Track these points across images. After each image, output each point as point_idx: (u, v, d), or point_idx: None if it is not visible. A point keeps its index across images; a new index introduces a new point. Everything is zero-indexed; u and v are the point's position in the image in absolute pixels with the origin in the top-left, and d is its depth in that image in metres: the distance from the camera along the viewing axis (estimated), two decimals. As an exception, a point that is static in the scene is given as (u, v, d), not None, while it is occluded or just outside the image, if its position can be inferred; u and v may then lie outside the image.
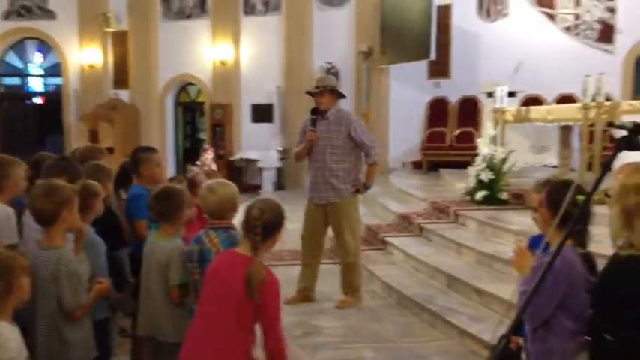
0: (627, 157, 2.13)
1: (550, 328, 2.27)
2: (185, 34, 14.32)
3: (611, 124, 1.86)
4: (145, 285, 3.35)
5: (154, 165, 4.31)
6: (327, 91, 5.36)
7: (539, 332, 2.27)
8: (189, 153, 15.04)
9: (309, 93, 5.60)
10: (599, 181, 1.88)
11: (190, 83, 15.04)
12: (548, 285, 2.17)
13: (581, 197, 2.20)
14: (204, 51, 14.29)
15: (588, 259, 2.29)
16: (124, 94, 14.76)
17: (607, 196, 2.16)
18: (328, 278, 6.41)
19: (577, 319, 2.27)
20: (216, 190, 3.16)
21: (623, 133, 1.90)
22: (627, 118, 6.19)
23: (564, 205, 2.20)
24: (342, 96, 5.53)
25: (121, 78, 14.72)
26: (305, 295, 5.59)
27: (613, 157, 1.86)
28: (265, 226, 2.59)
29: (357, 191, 5.45)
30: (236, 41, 13.97)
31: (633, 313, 2.06)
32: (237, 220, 2.98)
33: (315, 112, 5.42)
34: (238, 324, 2.58)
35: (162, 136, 14.72)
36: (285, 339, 2.70)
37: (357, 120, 5.50)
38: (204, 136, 15.85)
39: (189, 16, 14.48)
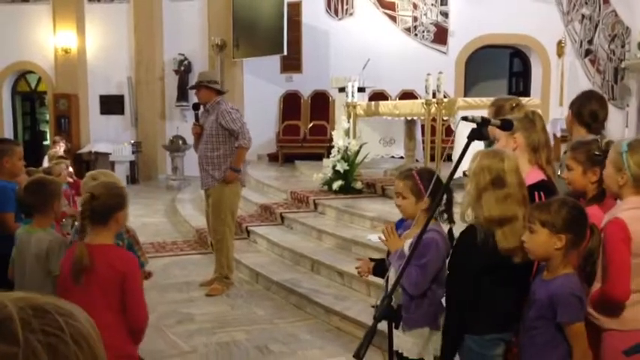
0: (476, 146, 2.57)
1: (425, 295, 2.64)
2: (22, 19, 13.39)
3: (464, 118, 2.20)
4: (19, 278, 3.26)
5: (16, 158, 4.15)
6: (202, 86, 5.63)
7: (417, 301, 2.63)
8: (29, 145, 14.08)
9: (190, 88, 6.16)
10: (457, 165, 2.26)
11: (30, 71, 14.07)
12: (433, 259, 2.55)
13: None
14: (44, 38, 13.46)
15: (451, 234, 2.70)
16: (-48, 82, 13.46)
17: (465, 175, 2.57)
18: (195, 268, 6.54)
19: (443, 286, 2.67)
20: (99, 179, 3.18)
21: (473, 125, 2.31)
22: (463, 113, 6.97)
23: (430, 187, 2.61)
24: (220, 92, 5.75)
25: (-53, 65, 13.40)
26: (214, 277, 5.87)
27: (467, 145, 2.25)
28: (98, 208, 2.60)
29: (225, 180, 5.56)
30: (80, 29, 13.33)
31: (458, 274, 2.49)
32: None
33: (195, 106, 5.93)
34: (108, 308, 2.57)
35: (-1, 127, 13.65)
36: (148, 315, 2.72)
37: (227, 109, 5.62)
38: (46, 127, 14.93)
39: (26, 0, 13.53)
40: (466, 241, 2.48)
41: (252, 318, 5.06)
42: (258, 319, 5.03)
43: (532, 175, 2.72)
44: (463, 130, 6.94)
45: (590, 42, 10.81)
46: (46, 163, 8.36)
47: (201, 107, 5.84)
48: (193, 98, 13.10)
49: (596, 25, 10.59)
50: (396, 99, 11.56)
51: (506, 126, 2.26)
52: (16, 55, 13.45)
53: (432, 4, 12.47)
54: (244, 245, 6.95)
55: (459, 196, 2.66)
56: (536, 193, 2.59)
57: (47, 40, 13.42)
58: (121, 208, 2.71)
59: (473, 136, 2.11)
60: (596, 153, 2.48)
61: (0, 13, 13.41)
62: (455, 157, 7.17)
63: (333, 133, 8.39)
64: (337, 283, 5.50)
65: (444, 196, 2.48)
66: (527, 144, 2.78)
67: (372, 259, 3.08)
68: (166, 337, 4.59)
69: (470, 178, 2.47)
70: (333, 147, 7.88)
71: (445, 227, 2.70)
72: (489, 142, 3.07)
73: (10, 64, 13.65)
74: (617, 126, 9.21)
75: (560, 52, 11.77)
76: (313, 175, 8.10)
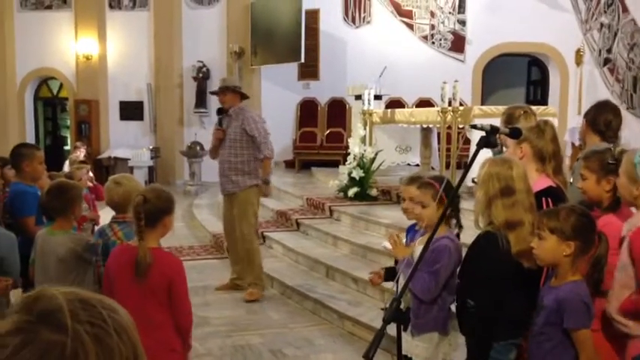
0: (485, 154, 2.61)
1: (436, 301, 2.68)
2: (45, 26, 13.63)
3: (474, 126, 2.24)
4: (40, 279, 3.34)
5: (37, 162, 4.26)
6: (228, 90, 5.62)
7: (426, 306, 2.67)
8: (50, 150, 14.32)
9: (213, 93, 5.99)
10: (466, 171, 2.31)
11: (51, 78, 14.32)
12: (446, 266, 2.60)
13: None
14: (66, 45, 13.68)
15: (458, 238, 2.73)
16: (-24, 88, 13.74)
17: (474, 182, 2.61)
18: (211, 272, 6.62)
19: (454, 292, 2.71)
20: (122, 183, 3.26)
21: (482, 133, 2.35)
22: (479, 121, 6.99)
23: (439, 193, 2.66)
24: (245, 96, 5.74)
25: (-28, 71, 13.68)
26: (234, 283, 5.92)
27: (476, 153, 2.29)
28: (149, 211, 2.67)
29: (257, 186, 5.65)
30: (102, 36, 13.52)
31: (486, 281, 2.51)
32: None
33: (219, 111, 5.77)
34: (159, 308, 2.67)
35: (22, 132, 13.90)
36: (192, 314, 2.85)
37: (254, 116, 5.67)
38: (67, 133, 15.16)
39: (49, 7, 13.79)
40: (488, 247, 2.50)
41: (266, 322, 5.12)
42: (272, 324, 5.08)
43: (540, 182, 2.75)
44: (479, 138, 6.95)
45: (609, 51, 10.75)
46: (66, 168, 8.54)
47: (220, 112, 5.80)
48: (212, 105, 13.45)
49: (615, 34, 10.53)
50: (412, 107, 11.59)
51: (515, 134, 2.30)
52: (39, 62, 13.69)
53: (450, 12, 12.50)
54: (260, 250, 7.01)
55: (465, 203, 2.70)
56: (543, 199, 2.62)
57: (69, 47, 13.66)
58: (170, 212, 2.78)
59: (482, 144, 2.15)
60: (610, 162, 2.50)
61: (23, 20, 13.70)
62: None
63: (349, 140, 8.45)
64: (352, 289, 5.55)
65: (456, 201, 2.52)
66: (534, 153, 2.81)
67: (384, 268, 3.13)
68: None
69: (479, 186, 2.51)
70: (349, 154, 7.94)
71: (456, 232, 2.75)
72: (499, 150, 3.11)
73: (33, 70, 13.89)
74: (636, 135, 9.16)
75: (578, 61, 11.72)
76: (329, 182, 8.16)
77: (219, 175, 5.74)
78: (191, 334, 2.91)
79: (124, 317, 0.79)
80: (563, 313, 2.22)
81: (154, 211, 2.70)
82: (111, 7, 13.62)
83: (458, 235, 2.72)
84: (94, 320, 0.74)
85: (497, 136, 2.22)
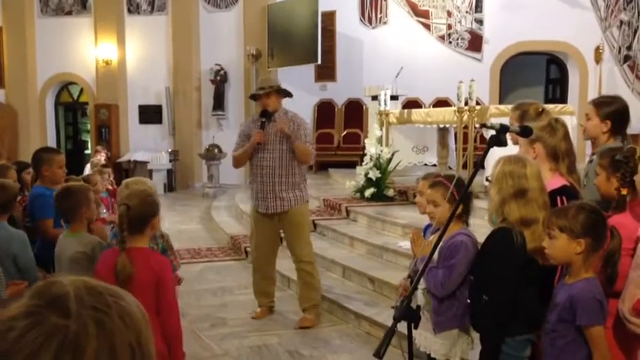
0: (495, 153, 2.59)
1: (455, 297, 2.70)
2: (65, 31, 13.84)
3: (483, 125, 2.25)
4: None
5: (56, 166, 4.33)
6: (273, 91, 4.97)
7: (447, 303, 2.69)
8: (71, 154, 14.52)
9: (253, 97, 5.24)
10: (475, 171, 2.31)
11: (72, 83, 14.53)
12: (461, 261, 2.61)
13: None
14: (86, 50, 13.89)
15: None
16: (-2, 94, 14.01)
17: (488, 181, 2.61)
18: (229, 273, 6.66)
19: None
20: (129, 186, 3.31)
21: (493, 132, 2.34)
22: (495, 121, 6.95)
23: (449, 192, 2.67)
24: (288, 94, 5.13)
25: (-6, 76, 13.96)
26: (270, 307, 5.35)
27: (486, 152, 2.29)
28: (134, 218, 2.68)
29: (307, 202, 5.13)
30: (121, 40, 13.70)
31: (501, 276, 2.51)
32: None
33: (263, 114, 4.95)
34: (146, 309, 2.65)
35: (43, 137, 14.13)
36: (179, 320, 2.76)
37: (304, 120, 5.14)
38: (87, 137, 15.36)
39: (69, 13, 14.01)
40: (502, 243, 2.50)
41: (284, 322, 5.14)
42: (289, 324, 5.10)
43: (553, 181, 2.74)
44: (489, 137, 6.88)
45: (629, 48, 10.63)
46: (87, 171, 8.65)
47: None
48: (229, 108, 13.55)
49: (635, 31, 10.40)
50: (429, 107, 11.56)
51: (525, 132, 2.30)
52: (59, 67, 13.91)
53: (467, 12, 12.44)
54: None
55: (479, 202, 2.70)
56: (558, 198, 2.61)
57: (89, 52, 13.85)
58: (155, 215, 2.80)
59: (492, 143, 2.15)
60: (618, 159, 2.49)
61: (44, 25, 13.93)
62: (486, 164, 7.16)
63: (365, 141, 8.45)
64: (368, 289, 5.55)
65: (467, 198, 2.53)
66: (546, 153, 2.79)
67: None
68: (200, 340, 4.71)
69: (493, 184, 2.52)
70: (366, 155, 7.94)
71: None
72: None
73: (53, 76, 14.12)
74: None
75: (598, 59, 11.60)
76: (346, 183, 8.17)
77: (260, 189, 4.93)
78: (182, 344, 2.80)
79: (130, 304, 0.83)
80: (576, 310, 2.21)
81: (139, 217, 2.72)
82: (130, 11, 13.79)
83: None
84: (98, 305, 0.78)
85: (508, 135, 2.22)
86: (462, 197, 2.41)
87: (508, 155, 2.62)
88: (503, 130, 2.12)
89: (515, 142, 2.89)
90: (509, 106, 6.98)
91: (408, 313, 2.06)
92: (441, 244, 2.72)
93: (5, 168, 4.21)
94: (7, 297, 3.03)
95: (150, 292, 2.67)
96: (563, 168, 2.78)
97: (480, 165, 2.32)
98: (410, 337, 2.24)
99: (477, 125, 7.19)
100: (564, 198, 2.68)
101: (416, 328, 2.31)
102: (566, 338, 2.25)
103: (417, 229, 2.88)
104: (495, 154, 2.44)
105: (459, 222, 2.77)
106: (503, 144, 2.10)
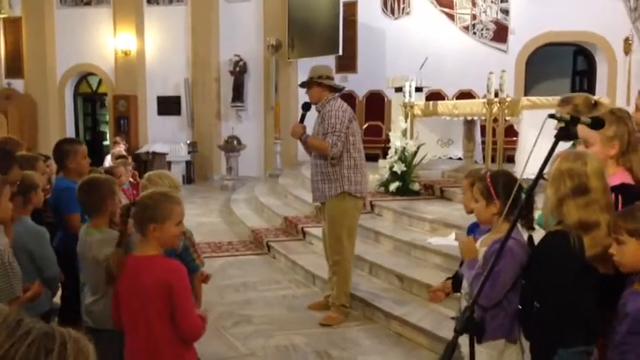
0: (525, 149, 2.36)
1: (501, 307, 2.48)
2: (84, 22, 13.76)
3: (552, 116, 2.00)
4: (83, 277, 3.27)
5: (81, 157, 4.18)
6: (313, 83, 4.83)
7: (492, 312, 2.47)
8: (90, 145, 14.46)
9: (302, 85, 5.05)
10: (542, 169, 2.09)
11: (91, 73, 14.46)
12: (506, 268, 2.39)
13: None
14: (105, 40, 13.80)
15: (531, 240, 2.52)
16: (18, 84, 13.98)
17: (544, 179, 2.39)
18: (251, 268, 6.52)
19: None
20: (153, 180, 3.15)
21: (538, 126, 2.12)
22: (527, 113, 6.70)
23: (499, 191, 2.48)
24: (333, 88, 4.89)
25: (14, 67, 13.93)
26: (327, 301, 5.11)
27: (554, 146, 2.08)
28: (134, 220, 2.55)
29: (351, 195, 4.88)
30: (139, 31, 13.59)
31: (555, 282, 2.30)
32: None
33: (305, 106, 4.89)
34: (158, 318, 2.49)
35: (62, 127, 14.10)
36: (200, 323, 2.57)
37: (334, 108, 4.78)
38: (106, 128, 15.32)
39: (88, 4, 13.92)
40: (558, 247, 2.29)
41: (309, 321, 4.98)
42: (315, 322, 4.93)
43: (617, 176, 2.50)
44: (528, 131, 6.61)
45: (659, 38, 10.30)
46: (107, 163, 8.55)
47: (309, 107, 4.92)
48: (249, 99, 13.42)
49: (667, 21, 10.07)
50: (453, 99, 11.30)
51: (597, 124, 2.07)
52: (78, 58, 13.84)
53: (492, 2, 12.14)
54: (300, 246, 6.89)
55: (539, 201, 2.48)
56: (612, 195, 2.36)
57: (107, 43, 13.76)
58: (155, 221, 2.56)
59: (561, 136, 1.94)
60: None
61: (63, 16, 13.85)
62: (518, 158, 6.92)
63: (389, 133, 8.24)
64: (396, 286, 5.37)
65: (521, 201, 2.31)
66: (620, 148, 2.54)
67: (449, 278, 2.97)
68: (224, 339, 4.56)
69: (549, 183, 2.30)
70: (388, 147, 7.74)
71: (524, 234, 2.53)
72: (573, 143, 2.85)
73: (72, 66, 14.06)
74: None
75: (627, 50, 11.28)
76: (369, 176, 7.95)
77: (311, 180, 5.03)
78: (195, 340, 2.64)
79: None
80: None
81: (138, 221, 2.58)
82: (149, 2, 13.68)
83: (530, 238, 2.49)
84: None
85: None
86: (514, 198, 2.19)
87: (566, 151, 2.41)
88: (573, 122, 1.91)
89: (586, 145, 2.55)
90: (543, 98, 6.78)
91: (471, 325, 1.86)
92: (486, 249, 2.54)
93: (33, 159, 4.05)
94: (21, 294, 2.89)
95: (161, 301, 2.50)
96: (629, 162, 2.50)
97: (545, 162, 2.09)
98: (472, 353, 2.04)
99: (507, 118, 6.94)
100: (620, 197, 2.46)
101: (479, 342, 2.12)
102: (637, 351, 2.05)
103: (467, 236, 2.68)
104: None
105: (508, 224, 2.56)
106: (574, 137, 1.90)
